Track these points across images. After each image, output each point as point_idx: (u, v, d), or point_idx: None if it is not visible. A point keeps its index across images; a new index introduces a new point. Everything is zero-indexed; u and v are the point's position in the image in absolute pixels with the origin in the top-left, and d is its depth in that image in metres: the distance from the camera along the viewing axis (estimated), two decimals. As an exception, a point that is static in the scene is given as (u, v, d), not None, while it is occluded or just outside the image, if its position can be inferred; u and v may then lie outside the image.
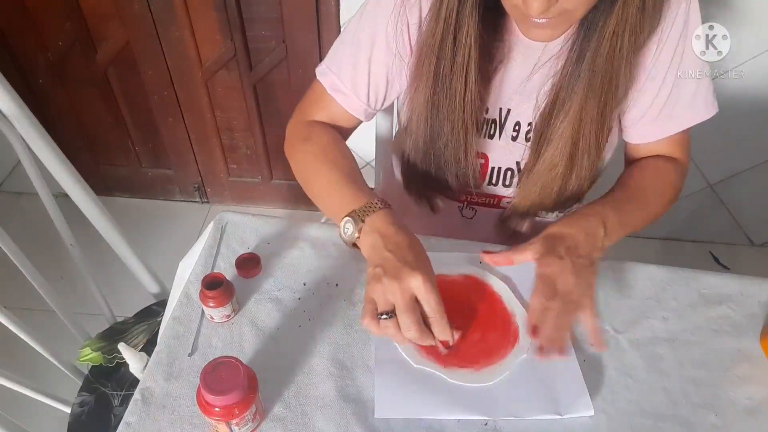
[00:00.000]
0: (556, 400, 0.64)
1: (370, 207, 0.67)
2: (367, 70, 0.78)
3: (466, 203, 0.91)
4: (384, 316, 0.61)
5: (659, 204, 0.79)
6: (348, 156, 0.78)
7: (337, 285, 0.75)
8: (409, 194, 0.91)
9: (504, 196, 0.88)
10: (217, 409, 0.56)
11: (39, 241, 1.16)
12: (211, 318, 0.70)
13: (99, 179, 1.88)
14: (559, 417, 0.63)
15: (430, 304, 0.61)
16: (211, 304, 0.68)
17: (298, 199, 1.92)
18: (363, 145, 1.25)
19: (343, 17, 1.42)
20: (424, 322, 0.62)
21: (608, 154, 0.82)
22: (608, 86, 0.70)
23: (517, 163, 0.83)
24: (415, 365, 0.66)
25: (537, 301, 0.66)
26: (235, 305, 0.71)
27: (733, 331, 0.73)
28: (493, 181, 0.86)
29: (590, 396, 0.65)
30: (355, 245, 0.68)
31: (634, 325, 0.73)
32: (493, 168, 0.85)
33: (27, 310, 1.03)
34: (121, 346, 0.86)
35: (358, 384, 0.65)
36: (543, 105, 0.76)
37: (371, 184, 1.03)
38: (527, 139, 0.80)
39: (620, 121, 0.80)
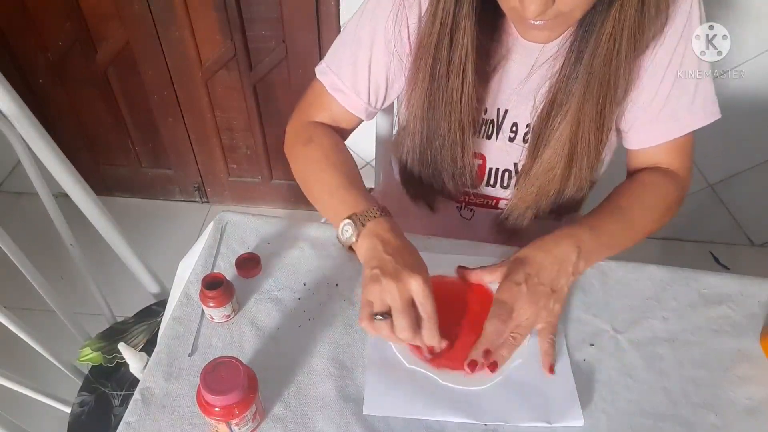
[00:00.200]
0: (547, 408, 0.64)
1: (371, 213, 0.68)
2: (367, 70, 0.78)
3: (464, 204, 0.91)
4: (379, 317, 0.61)
5: (648, 221, 0.78)
6: (349, 160, 0.79)
7: (337, 285, 0.75)
8: (407, 194, 0.91)
9: (502, 198, 0.88)
10: (217, 409, 0.56)
11: (39, 241, 1.16)
12: (211, 318, 0.70)
13: (99, 179, 1.88)
14: (548, 426, 0.62)
15: (426, 309, 0.62)
16: (211, 304, 0.68)
17: (298, 199, 1.92)
18: (363, 145, 1.25)
19: (343, 17, 1.42)
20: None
21: (607, 156, 0.82)
22: (606, 88, 0.70)
23: (515, 165, 0.83)
24: (407, 365, 0.66)
25: (490, 325, 0.67)
26: (235, 305, 0.71)
27: (733, 331, 0.73)
28: (491, 183, 0.86)
29: (590, 396, 0.66)
30: (351, 249, 0.69)
31: (634, 325, 0.73)
32: (491, 169, 0.85)
33: (27, 310, 1.03)
34: (121, 346, 0.86)
35: (358, 384, 0.65)
36: (541, 106, 0.76)
37: (371, 184, 1.03)
38: (525, 141, 0.80)
39: (618, 124, 0.79)
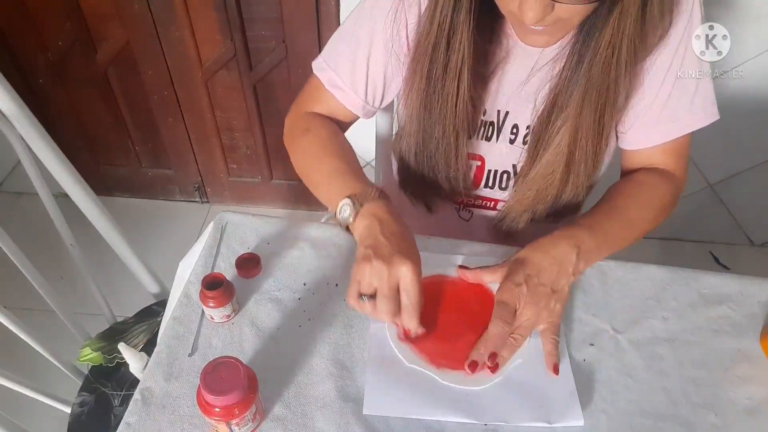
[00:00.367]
0: (548, 409, 0.64)
1: (369, 194, 0.68)
2: (365, 69, 0.78)
3: (462, 205, 0.91)
4: (364, 297, 0.62)
5: (645, 221, 0.78)
6: (347, 148, 0.79)
7: (337, 285, 0.75)
8: (404, 194, 0.91)
9: (500, 200, 0.88)
10: (217, 409, 0.56)
11: (39, 241, 1.16)
12: (211, 318, 0.70)
13: (99, 179, 1.88)
14: (548, 426, 0.62)
15: (410, 296, 0.62)
16: (211, 304, 0.68)
17: (298, 199, 1.92)
18: (363, 144, 1.24)
19: (343, 17, 1.42)
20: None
21: (606, 158, 0.82)
22: (605, 96, 0.70)
23: (514, 167, 0.83)
24: (407, 364, 0.66)
25: (494, 327, 0.67)
26: (235, 305, 0.71)
27: (733, 331, 0.73)
28: (489, 184, 0.86)
29: (590, 396, 0.66)
30: (348, 229, 0.69)
31: (634, 325, 0.73)
32: (489, 171, 0.85)
33: (27, 310, 1.03)
34: (121, 346, 0.86)
35: (358, 384, 0.65)
36: (541, 108, 0.75)
37: (371, 184, 1.02)
38: (525, 143, 0.80)
39: (617, 126, 0.79)
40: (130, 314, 1.09)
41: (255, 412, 0.59)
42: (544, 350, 0.68)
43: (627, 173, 0.83)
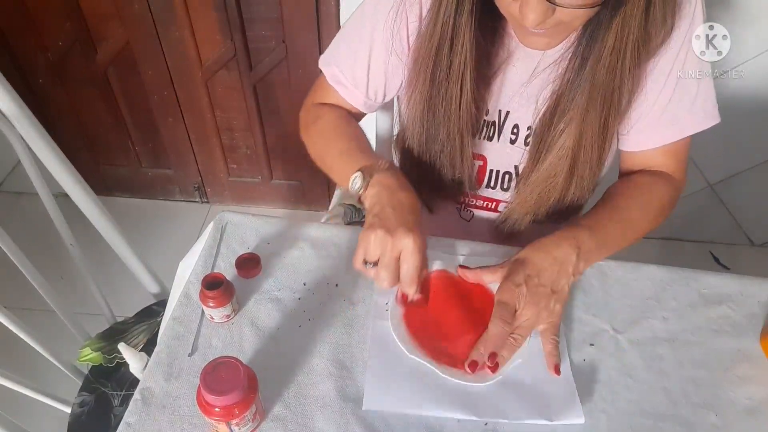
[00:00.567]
0: (548, 406, 0.64)
1: (379, 165, 0.71)
2: (366, 66, 0.79)
3: (463, 205, 0.91)
4: (368, 265, 0.66)
5: (644, 222, 0.78)
6: (356, 129, 0.81)
7: (337, 285, 0.75)
8: None
9: (502, 200, 0.88)
10: (217, 409, 0.56)
11: (39, 241, 1.16)
12: (211, 318, 0.70)
13: (99, 179, 1.88)
14: (549, 423, 0.62)
15: (408, 268, 0.64)
16: (211, 304, 0.68)
17: (298, 199, 1.92)
18: (363, 145, 1.25)
19: (343, 17, 1.42)
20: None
21: (608, 160, 0.82)
22: (610, 100, 0.70)
23: (516, 167, 0.83)
24: (408, 355, 0.67)
25: (494, 327, 0.67)
26: (235, 305, 0.71)
27: (733, 331, 0.73)
28: (491, 184, 0.86)
29: (590, 396, 0.66)
30: (360, 201, 0.71)
31: (634, 325, 0.73)
32: (491, 171, 0.85)
33: (27, 310, 1.03)
34: (121, 346, 0.86)
35: (358, 384, 0.65)
36: (543, 110, 0.75)
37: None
38: (526, 144, 0.80)
39: (618, 128, 0.79)
40: (130, 314, 1.09)
41: (255, 412, 0.59)
42: (544, 350, 0.68)
43: (626, 174, 0.83)
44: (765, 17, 1.31)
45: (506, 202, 0.87)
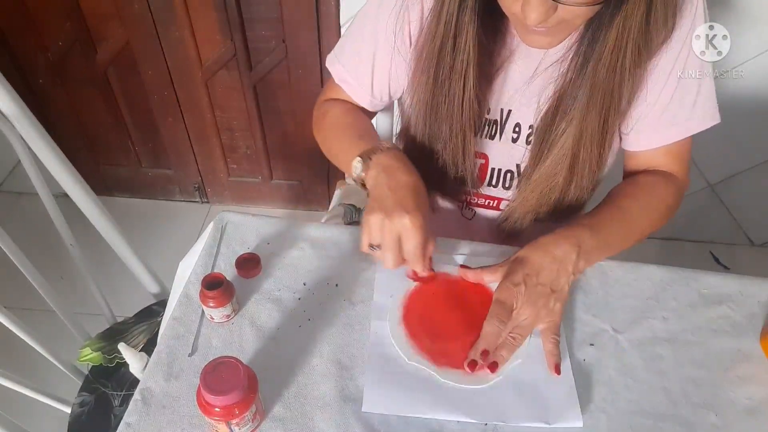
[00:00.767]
0: (547, 409, 0.64)
1: (378, 147, 0.71)
2: (370, 65, 0.79)
3: (465, 204, 0.91)
4: (373, 248, 0.67)
5: (647, 221, 0.78)
6: (363, 118, 0.82)
7: (337, 285, 0.75)
8: None
9: (503, 199, 0.88)
10: (217, 409, 0.56)
11: (39, 241, 1.17)
12: (211, 318, 0.70)
13: (99, 179, 1.88)
14: (547, 426, 0.62)
15: (409, 248, 0.65)
16: (211, 304, 0.68)
17: (298, 199, 1.92)
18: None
19: (343, 17, 1.42)
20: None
21: (610, 158, 0.82)
22: (610, 99, 0.70)
23: (517, 166, 0.83)
24: (407, 361, 0.66)
25: (489, 325, 0.67)
26: (235, 305, 0.71)
27: (733, 331, 0.73)
28: (493, 183, 0.86)
29: (590, 396, 0.66)
30: (364, 186, 0.71)
31: (634, 325, 0.73)
32: (493, 169, 0.85)
33: (27, 310, 1.03)
34: (121, 346, 0.86)
35: (358, 384, 0.65)
36: (545, 109, 0.76)
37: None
38: (528, 142, 0.80)
39: (620, 128, 0.79)
40: (130, 314, 1.09)
41: (255, 412, 0.59)
42: (545, 349, 0.68)
43: (629, 174, 0.84)
44: (765, 17, 1.31)
45: (508, 200, 0.87)
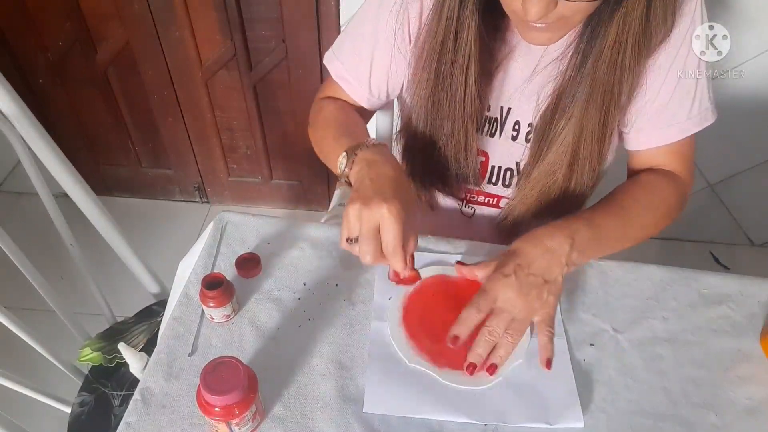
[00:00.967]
0: (548, 409, 0.64)
1: (363, 144, 0.69)
2: (369, 63, 0.79)
3: (465, 201, 0.91)
4: (351, 241, 0.63)
5: (647, 222, 0.77)
6: (354, 116, 0.81)
7: (337, 285, 0.75)
8: None
9: (503, 196, 0.88)
10: (217, 409, 0.56)
11: (39, 241, 1.16)
12: (211, 318, 0.70)
13: (99, 179, 1.88)
14: (548, 426, 0.62)
15: (387, 238, 0.61)
16: (211, 304, 0.68)
17: (298, 199, 1.92)
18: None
19: (343, 17, 1.42)
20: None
21: (610, 156, 0.82)
22: (610, 95, 0.70)
23: (517, 164, 0.83)
24: (408, 363, 0.66)
25: (464, 312, 0.66)
26: (235, 305, 0.71)
27: (733, 331, 0.73)
28: (493, 180, 0.86)
29: (590, 396, 0.66)
30: (349, 184, 0.69)
31: (634, 325, 0.73)
32: (493, 167, 0.85)
33: (27, 310, 1.03)
34: (121, 346, 0.86)
35: (358, 384, 0.65)
36: (544, 107, 0.76)
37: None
38: (527, 140, 0.80)
39: (620, 126, 0.79)
40: (130, 314, 1.09)
41: (255, 412, 0.59)
42: (539, 343, 0.67)
43: (633, 174, 0.83)
44: (765, 17, 1.31)
45: (507, 198, 0.87)
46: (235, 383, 0.55)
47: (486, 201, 0.89)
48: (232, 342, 0.69)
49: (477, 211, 0.91)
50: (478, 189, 0.88)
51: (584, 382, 0.67)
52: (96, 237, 1.00)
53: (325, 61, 0.84)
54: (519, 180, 0.83)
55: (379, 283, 0.74)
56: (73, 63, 1.58)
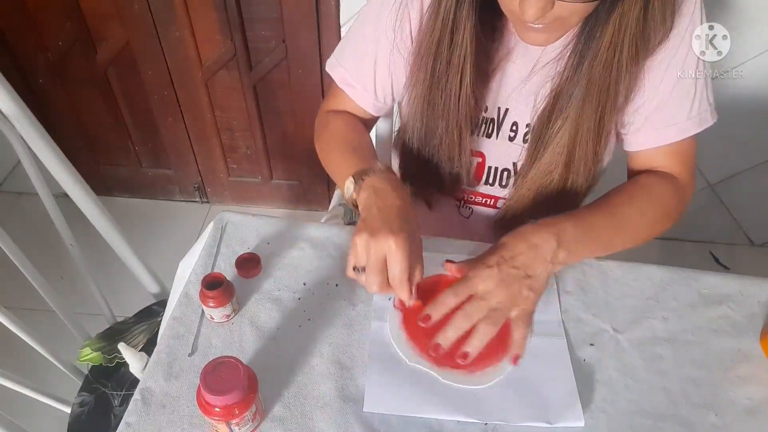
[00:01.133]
0: (548, 408, 0.64)
1: (371, 169, 0.69)
2: (372, 66, 0.79)
3: (462, 202, 0.91)
4: (357, 270, 0.64)
5: (642, 223, 0.76)
6: (362, 134, 0.81)
7: (337, 285, 0.75)
8: None
9: (500, 197, 0.88)
10: (217, 409, 0.56)
11: (39, 241, 1.17)
12: (211, 318, 0.70)
13: (99, 179, 1.88)
14: (549, 425, 0.62)
15: (394, 270, 0.62)
16: (211, 304, 0.68)
17: (298, 199, 1.92)
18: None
19: (343, 17, 1.42)
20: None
21: (607, 157, 0.81)
22: (606, 96, 0.70)
23: (514, 165, 0.84)
24: (408, 363, 0.66)
25: (444, 294, 0.66)
26: (235, 305, 0.71)
27: (733, 331, 0.73)
28: (490, 181, 0.86)
29: (590, 396, 0.66)
30: (356, 207, 0.70)
31: (634, 325, 0.73)
32: (489, 167, 0.85)
33: (27, 310, 1.03)
34: (121, 346, 0.86)
35: (358, 384, 0.65)
36: (541, 107, 0.76)
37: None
38: (525, 141, 0.80)
39: (618, 127, 0.79)
40: (130, 314, 1.09)
41: (255, 412, 0.59)
42: (512, 338, 0.66)
43: (632, 175, 0.83)
44: (765, 17, 1.31)
45: (504, 198, 0.87)
46: (235, 383, 0.55)
47: (483, 201, 0.89)
48: (232, 342, 0.69)
49: (474, 212, 0.91)
50: (474, 190, 0.88)
51: (584, 382, 0.67)
52: (96, 237, 1.00)
53: (327, 69, 0.83)
54: (515, 180, 0.83)
55: None
56: (73, 63, 1.59)
